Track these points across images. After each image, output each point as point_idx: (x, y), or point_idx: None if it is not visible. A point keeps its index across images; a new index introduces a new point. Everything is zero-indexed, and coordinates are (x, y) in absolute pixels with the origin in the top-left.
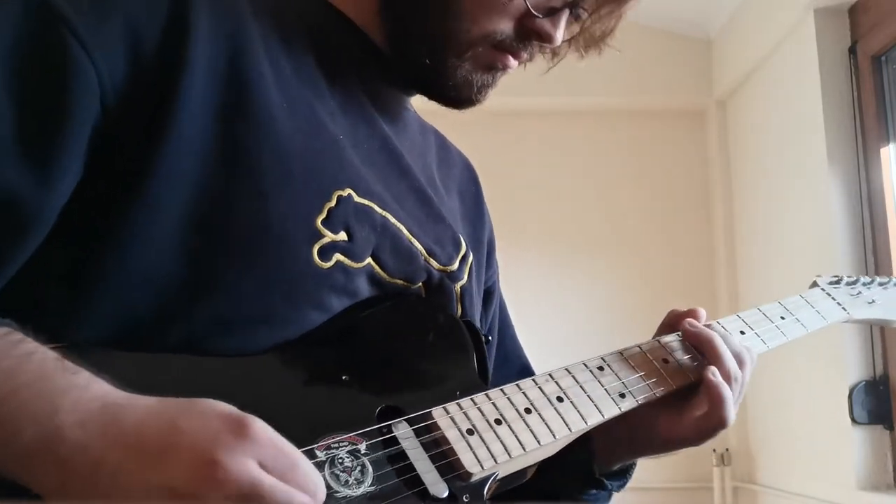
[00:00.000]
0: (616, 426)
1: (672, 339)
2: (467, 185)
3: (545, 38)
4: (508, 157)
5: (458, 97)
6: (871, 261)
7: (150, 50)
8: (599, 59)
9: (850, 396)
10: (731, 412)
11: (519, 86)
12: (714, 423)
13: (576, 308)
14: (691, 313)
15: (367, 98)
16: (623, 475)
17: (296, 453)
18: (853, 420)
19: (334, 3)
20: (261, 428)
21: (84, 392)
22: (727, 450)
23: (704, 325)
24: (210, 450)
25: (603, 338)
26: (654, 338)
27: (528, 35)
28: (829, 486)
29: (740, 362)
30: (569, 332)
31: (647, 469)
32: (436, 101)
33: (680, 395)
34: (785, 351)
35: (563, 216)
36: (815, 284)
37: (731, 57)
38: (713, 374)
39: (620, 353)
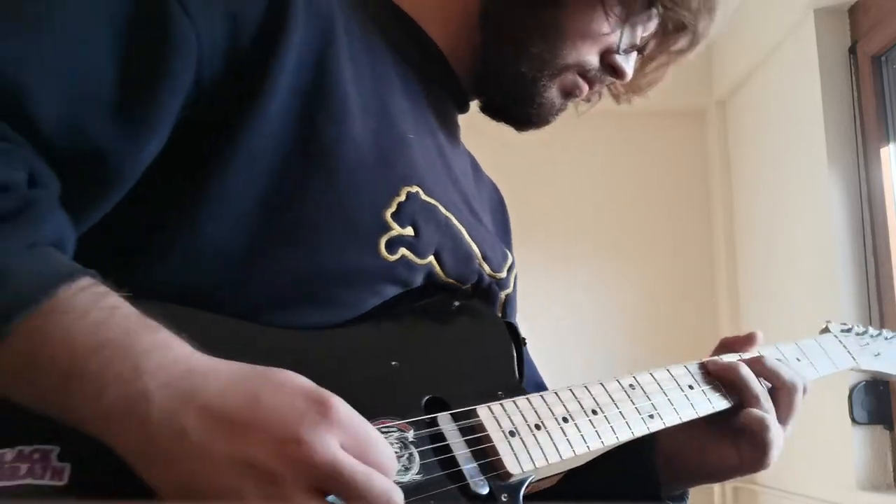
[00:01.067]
0: (683, 455)
1: (696, 368)
2: (497, 207)
3: (619, 74)
4: (508, 158)
5: (536, 116)
6: (871, 261)
7: (248, 32)
8: None
9: (850, 396)
10: (775, 439)
11: None
12: (752, 465)
13: (575, 307)
14: (746, 339)
15: (429, 108)
16: (683, 497)
17: (373, 433)
18: (853, 420)
19: (409, 12)
20: (342, 407)
21: (167, 353)
22: None
23: (747, 355)
24: (294, 428)
25: (602, 337)
26: (696, 363)
27: (606, 69)
28: (829, 486)
29: (794, 389)
30: (568, 332)
31: None
32: (502, 116)
33: (723, 424)
34: None
35: (562, 216)
36: (826, 330)
37: (731, 57)
38: (749, 416)
39: (651, 373)
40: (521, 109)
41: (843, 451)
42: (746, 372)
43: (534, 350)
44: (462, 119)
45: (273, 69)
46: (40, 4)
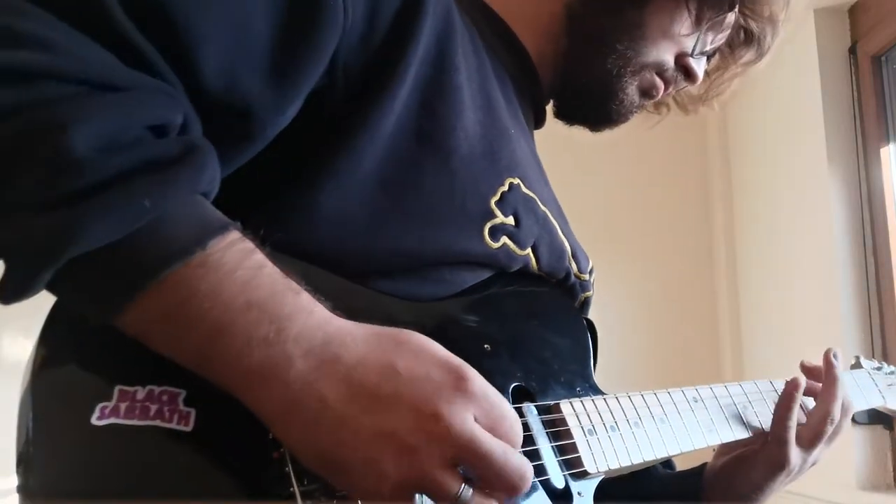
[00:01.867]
0: (721, 477)
1: (756, 389)
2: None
3: (691, 76)
4: None
5: (617, 113)
6: (871, 261)
7: (386, 20)
8: None
9: None
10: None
11: None
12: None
13: None
14: (822, 369)
15: (519, 108)
16: None
17: (506, 407)
18: (853, 420)
19: (500, 13)
20: (478, 380)
21: (309, 318)
22: None
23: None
24: (433, 401)
25: (602, 337)
26: (753, 382)
27: (679, 70)
28: (829, 486)
29: (846, 409)
30: None
31: None
32: (580, 116)
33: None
34: (785, 351)
35: None
36: (858, 365)
37: None
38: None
39: (711, 388)
40: (602, 107)
41: (843, 451)
42: (839, 387)
43: None
44: None
45: (406, 57)
46: None
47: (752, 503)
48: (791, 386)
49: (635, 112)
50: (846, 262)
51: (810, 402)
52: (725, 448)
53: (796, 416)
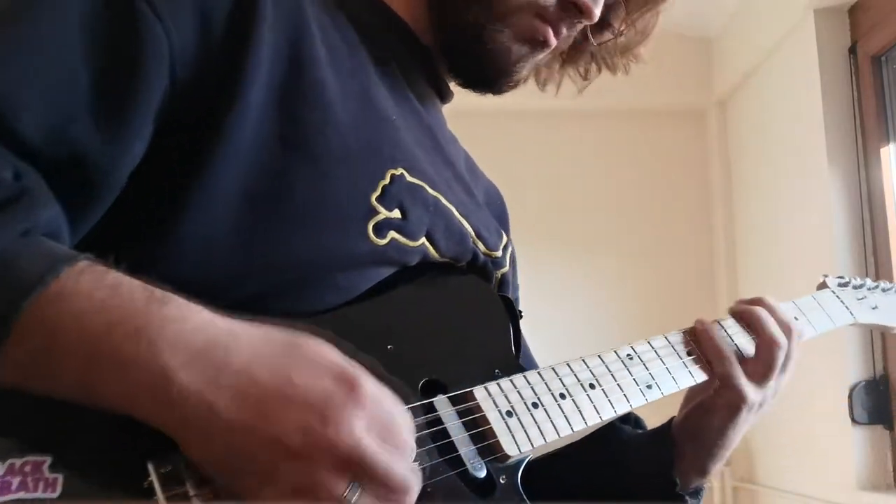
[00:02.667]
0: (687, 431)
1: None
2: (495, 200)
3: (585, 11)
4: (508, 158)
5: (495, 68)
6: (872, 261)
7: (219, 26)
8: None
9: (850, 396)
10: (774, 376)
11: (518, 86)
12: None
13: (575, 307)
14: (752, 302)
15: (411, 90)
16: (698, 494)
17: (398, 413)
18: (853, 420)
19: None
20: (370, 386)
21: (183, 325)
22: None
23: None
24: (322, 409)
25: (602, 337)
26: (682, 330)
27: (568, 7)
28: (829, 486)
29: (788, 331)
30: (567, 332)
31: None
32: (471, 82)
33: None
34: None
35: (562, 216)
36: (824, 285)
37: (731, 57)
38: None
39: (649, 342)
40: (481, 62)
41: (843, 451)
42: (767, 315)
43: (533, 349)
44: (465, 120)
45: (248, 63)
46: (10, 14)
47: (722, 448)
48: (698, 323)
49: (524, 63)
50: (846, 263)
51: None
52: (686, 400)
53: (730, 350)
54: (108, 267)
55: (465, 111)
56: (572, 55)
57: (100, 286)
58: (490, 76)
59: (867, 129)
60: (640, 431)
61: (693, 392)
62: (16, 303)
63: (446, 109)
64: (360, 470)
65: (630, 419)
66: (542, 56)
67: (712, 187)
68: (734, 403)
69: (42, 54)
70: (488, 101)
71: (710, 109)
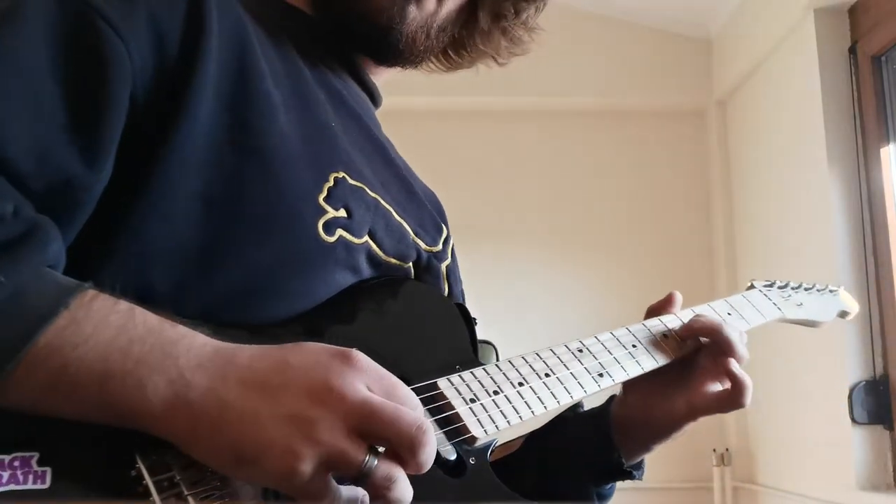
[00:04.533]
0: (633, 416)
1: (642, 325)
2: (430, 198)
3: None
4: (508, 157)
5: (376, 24)
6: (872, 261)
7: (171, 41)
8: (600, 59)
9: (850, 396)
10: (749, 392)
11: (520, 86)
12: (734, 405)
13: (575, 307)
14: (668, 301)
15: (344, 94)
16: (640, 466)
17: (394, 378)
18: (853, 420)
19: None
20: (363, 356)
21: (193, 340)
22: (727, 450)
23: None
24: (323, 377)
25: None
26: (640, 323)
27: None
28: (829, 486)
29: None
30: (567, 331)
31: (647, 469)
32: (371, 50)
33: (679, 369)
34: (785, 351)
35: (563, 216)
36: (752, 287)
37: (731, 57)
38: (733, 365)
39: (596, 337)
40: (357, 21)
41: (843, 451)
42: (730, 330)
43: (533, 347)
44: (464, 121)
45: (197, 76)
46: None
47: (674, 433)
48: (657, 306)
49: (407, 16)
50: (846, 262)
51: None
52: (627, 389)
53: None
54: (116, 296)
55: (464, 111)
56: (461, 39)
57: (114, 311)
58: (377, 36)
59: (867, 129)
60: (578, 412)
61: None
62: (24, 339)
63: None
64: (371, 421)
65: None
66: (425, 8)
67: (712, 187)
68: (738, 388)
69: (16, 82)
70: (489, 101)
71: (710, 109)
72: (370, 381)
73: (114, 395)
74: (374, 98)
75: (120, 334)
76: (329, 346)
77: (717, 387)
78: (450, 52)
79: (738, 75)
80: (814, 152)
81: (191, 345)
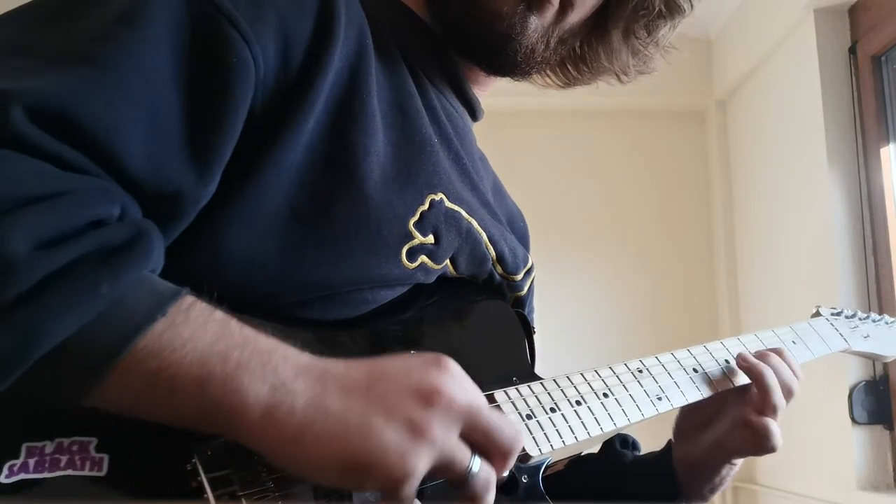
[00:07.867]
0: (695, 455)
1: (703, 348)
2: (517, 222)
3: None
4: (508, 157)
5: (496, 33)
6: (871, 261)
7: (297, 48)
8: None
9: (850, 396)
10: (777, 440)
11: (519, 85)
12: (761, 449)
13: (575, 307)
14: None
15: (443, 111)
16: None
17: (477, 388)
18: (853, 420)
19: (407, 3)
20: (454, 362)
21: (286, 350)
22: None
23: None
24: (427, 379)
25: (602, 337)
26: (702, 346)
27: None
28: (829, 486)
29: (788, 393)
30: (567, 332)
31: None
32: (485, 60)
33: (715, 405)
34: None
35: (563, 216)
36: (818, 314)
37: (731, 57)
38: (752, 416)
39: (657, 358)
40: (475, 28)
41: (843, 451)
42: (773, 380)
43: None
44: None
45: (315, 88)
46: (107, 46)
47: (726, 479)
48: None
49: (523, 24)
50: (846, 262)
51: None
52: (685, 425)
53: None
54: (212, 304)
55: None
56: (584, 51)
57: (211, 319)
58: (494, 43)
59: (867, 129)
60: (637, 456)
61: (690, 422)
62: (120, 346)
63: None
64: (476, 426)
65: (628, 443)
66: (546, 17)
67: (712, 187)
68: (761, 432)
69: (138, 85)
70: (488, 101)
71: (710, 109)
72: (466, 385)
73: (213, 400)
74: (475, 112)
75: (218, 340)
76: (419, 353)
77: (745, 432)
78: (568, 66)
79: (738, 75)
80: (814, 152)
81: (286, 355)
